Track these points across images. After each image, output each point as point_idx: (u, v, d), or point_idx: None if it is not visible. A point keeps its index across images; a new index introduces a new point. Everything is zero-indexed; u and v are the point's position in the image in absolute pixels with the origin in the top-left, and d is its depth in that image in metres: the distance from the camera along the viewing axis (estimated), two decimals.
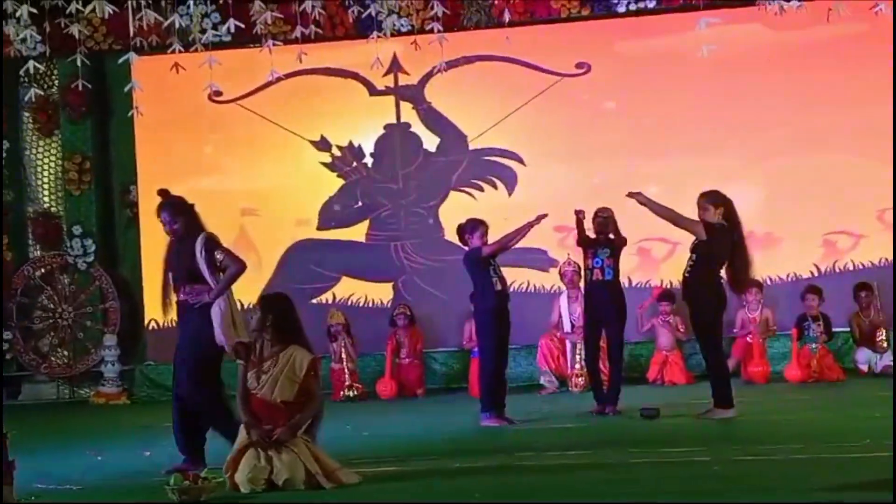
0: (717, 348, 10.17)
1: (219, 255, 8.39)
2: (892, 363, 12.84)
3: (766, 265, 13.45)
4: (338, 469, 7.35)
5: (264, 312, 7.58)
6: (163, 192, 8.73)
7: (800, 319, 13.04)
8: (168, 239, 8.69)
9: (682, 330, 13.12)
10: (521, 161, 14.29)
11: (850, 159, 13.68)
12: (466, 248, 10.63)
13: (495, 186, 14.36)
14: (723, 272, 10.03)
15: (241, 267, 8.43)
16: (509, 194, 14.29)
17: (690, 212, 10.08)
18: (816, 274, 13.80)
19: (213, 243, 8.39)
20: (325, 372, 12.72)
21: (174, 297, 8.56)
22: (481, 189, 14.39)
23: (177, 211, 8.60)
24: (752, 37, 13.71)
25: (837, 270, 13.81)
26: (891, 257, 13.52)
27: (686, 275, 10.05)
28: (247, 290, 13.68)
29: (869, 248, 13.74)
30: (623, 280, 11.22)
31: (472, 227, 10.57)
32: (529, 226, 10.49)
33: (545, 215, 10.51)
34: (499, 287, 10.43)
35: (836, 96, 13.79)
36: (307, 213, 14.63)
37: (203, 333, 8.22)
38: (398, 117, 14.61)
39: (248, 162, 14.79)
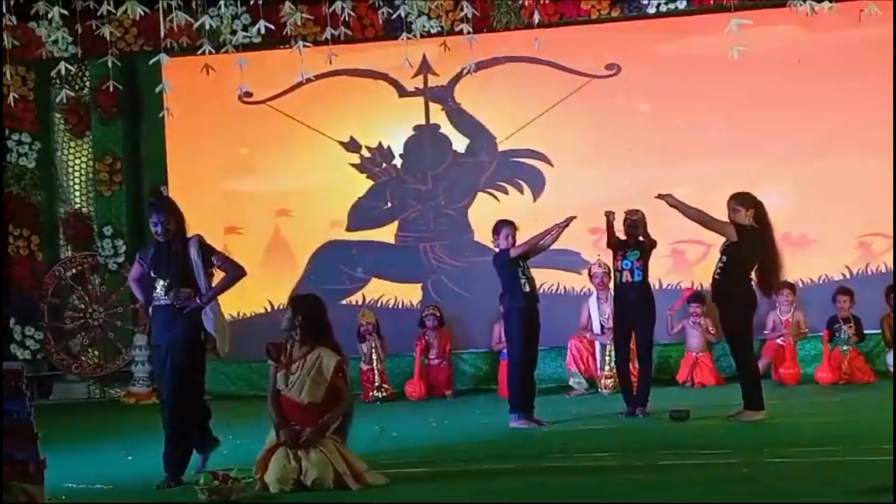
0: (748, 350, 10.15)
1: (216, 260, 8.27)
2: None
3: (798, 267, 13.39)
4: (366, 471, 7.37)
5: (294, 313, 7.62)
6: (156, 193, 8.67)
7: (831, 321, 12.98)
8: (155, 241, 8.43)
9: (712, 332, 13.07)
10: (548, 162, 14.26)
11: (884, 160, 13.57)
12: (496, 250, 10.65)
13: (521, 191, 14.33)
14: (753, 274, 10.00)
15: (241, 271, 8.36)
16: (534, 199, 14.23)
17: (721, 214, 10.05)
18: (849, 276, 13.71)
19: (208, 246, 8.29)
20: (354, 373, 12.76)
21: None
22: (506, 192, 14.36)
23: (170, 210, 8.41)
24: (784, 38, 13.62)
25: (870, 273, 13.72)
26: None
27: (716, 276, 10.02)
28: (277, 291, 13.88)
29: None
30: (654, 282, 11.21)
31: (497, 228, 10.59)
32: (558, 227, 10.50)
33: (574, 217, 10.51)
34: (527, 289, 10.43)
35: (869, 97, 13.68)
36: (337, 214, 14.64)
37: (196, 339, 8.09)
38: (427, 118, 14.61)
39: (278, 163, 14.82)
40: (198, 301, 8.12)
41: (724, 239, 10.04)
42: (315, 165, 14.77)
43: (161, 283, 8.19)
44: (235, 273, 8.34)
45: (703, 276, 13.27)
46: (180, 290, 8.09)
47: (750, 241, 9.87)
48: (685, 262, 13.71)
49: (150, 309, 8.29)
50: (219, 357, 8.46)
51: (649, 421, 10.36)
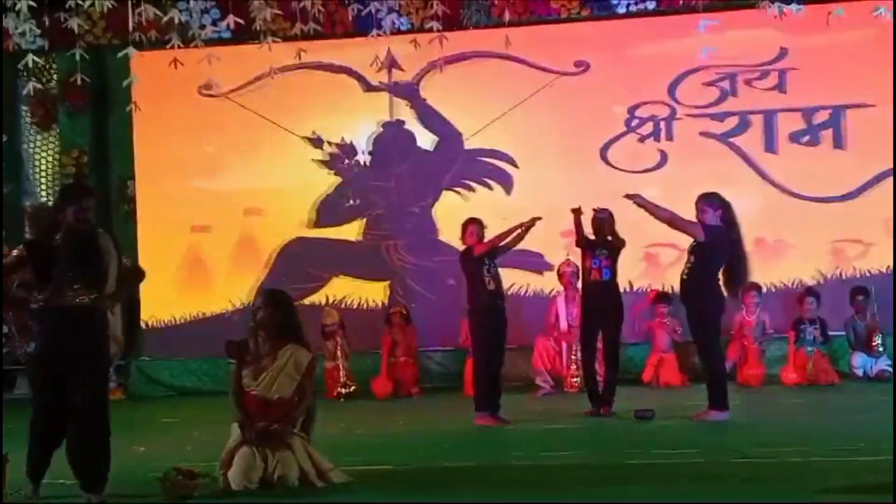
0: (715, 351, 10.17)
1: (126, 260, 7.65)
2: (887, 367, 12.84)
3: (771, 271, 13.47)
4: (330, 469, 7.35)
5: (270, 308, 7.52)
6: (80, 176, 8.01)
7: (796, 322, 13.03)
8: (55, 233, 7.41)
9: (678, 332, 13.10)
10: (514, 164, 14.26)
11: (856, 163, 13.65)
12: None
13: (490, 187, 14.32)
14: (720, 274, 10.02)
15: (143, 275, 8.07)
16: (502, 196, 14.23)
17: (691, 215, 10.07)
18: (822, 280, 13.73)
19: (119, 246, 7.49)
20: (318, 370, 12.74)
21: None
22: (472, 190, 14.35)
23: (93, 200, 7.49)
24: (752, 39, 13.66)
25: (843, 276, 13.77)
26: (890, 265, 13.52)
27: (684, 277, 10.04)
28: (237, 291, 13.82)
29: (877, 257, 13.69)
30: (625, 284, 11.23)
31: (465, 226, 10.59)
32: (522, 227, 10.49)
33: (538, 218, 10.51)
34: (492, 286, 10.42)
35: (839, 100, 13.75)
36: (304, 211, 14.59)
37: (105, 341, 7.40)
38: (391, 114, 14.54)
39: (244, 159, 14.75)
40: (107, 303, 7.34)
41: (691, 239, 10.07)
42: (280, 161, 14.70)
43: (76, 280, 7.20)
44: (139, 276, 8.06)
45: (675, 279, 13.31)
46: (89, 290, 7.20)
47: (718, 242, 9.90)
48: (658, 265, 13.71)
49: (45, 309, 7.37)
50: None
51: (614, 420, 10.38)
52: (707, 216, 9.96)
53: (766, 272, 13.20)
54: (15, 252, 7.56)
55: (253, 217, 14.69)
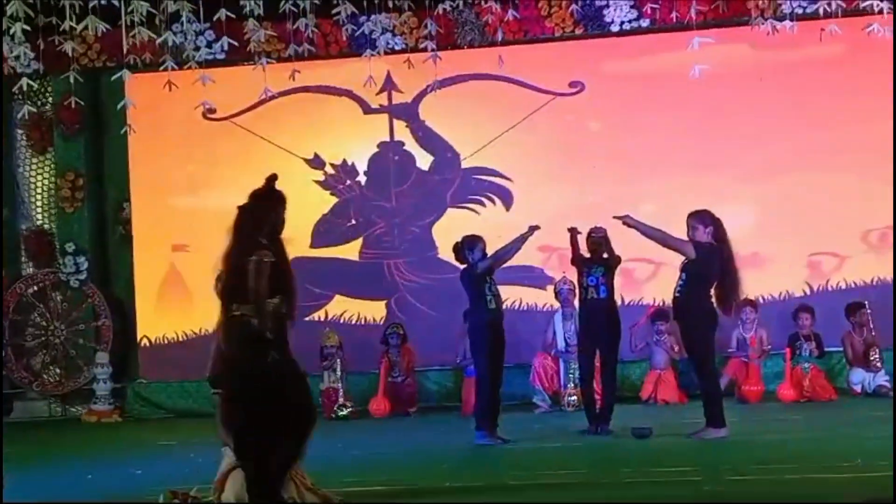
0: (710, 367, 10.17)
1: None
2: (885, 383, 12.82)
3: (759, 284, 13.47)
4: (315, 488, 7.28)
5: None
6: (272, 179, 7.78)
7: (792, 339, 13.02)
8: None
9: (676, 349, 13.09)
10: (510, 181, 14.29)
11: (845, 179, 13.68)
12: (463, 266, 10.63)
13: (484, 205, 14.35)
14: (712, 291, 10.02)
15: None
16: (498, 215, 14.25)
17: (683, 232, 10.08)
18: (809, 293, 13.78)
19: None
20: (315, 390, 12.72)
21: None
22: (471, 209, 14.38)
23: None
24: (745, 57, 13.70)
25: (830, 289, 13.80)
26: (884, 276, 13.53)
27: (676, 294, 10.04)
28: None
29: (853, 269, 13.72)
30: (616, 299, 11.21)
31: (471, 244, 10.55)
32: (522, 239, 10.50)
33: (537, 227, 10.50)
34: (493, 305, 10.42)
35: (830, 116, 13.79)
36: (301, 231, 14.60)
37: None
38: (391, 135, 14.61)
39: (240, 180, 14.70)
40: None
41: (682, 257, 10.07)
42: (279, 182, 14.66)
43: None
44: None
45: (655, 293, 13.34)
46: None
47: (709, 259, 9.90)
48: (634, 280, 13.69)
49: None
50: None
51: (612, 438, 10.35)
52: (698, 233, 9.97)
53: (753, 285, 13.22)
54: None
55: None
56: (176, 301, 14.72)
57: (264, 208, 7.45)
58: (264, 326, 7.00)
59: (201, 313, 14.54)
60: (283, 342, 7.09)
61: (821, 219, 13.77)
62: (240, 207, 7.46)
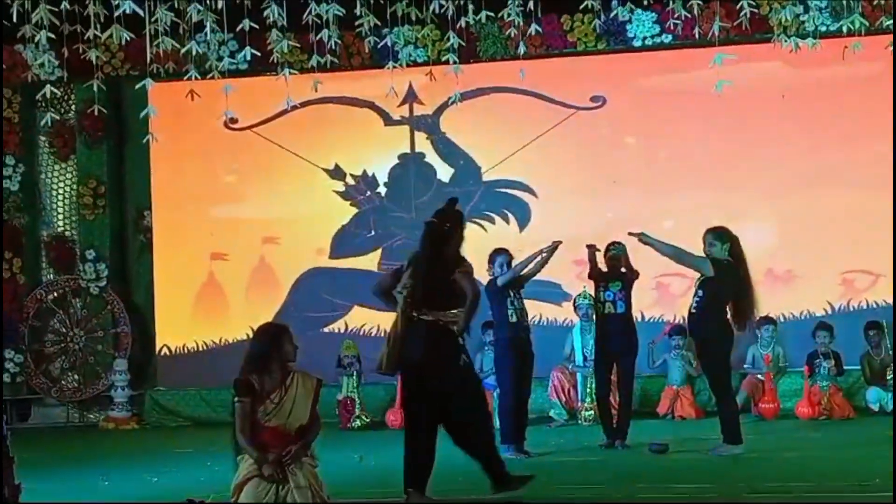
0: (726, 384, 10.15)
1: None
2: None
3: (781, 302, 13.48)
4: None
5: (273, 343, 7.42)
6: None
7: (811, 357, 12.97)
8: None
9: (694, 365, 13.07)
10: (533, 193, 14.30)
11: (867, 196, 13.64)
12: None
13: (507, 221, 14.35)
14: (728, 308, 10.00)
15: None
16: (519, 229, 14.27)
17: (700, 247, 10.06)
18: (830, 312, 13.74)
19: None
20: (332, 401, 12.74)
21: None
22: (493, 221, 14.39)
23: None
24: (768, 73, 13.68)
25: (852, 309, 13.76)
26: None
27: (692, 311, 10.02)
28: (253, 319, 13.80)
29: (887, 287, 13.66)
30: (636, 314, 11.21)
31: (492, 257, 10.58)
32: (542, 253, 10.51)
33: (559, 242, 10.53)
34: (514, 319, 10.43)
35: (852, 133, 13.77)
36: (321, 241, 14.66)
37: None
38: (412, 147, 14.64)
39: (262, 190, 14.85)
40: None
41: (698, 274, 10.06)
42: (300, 192, 14.79)
43: None
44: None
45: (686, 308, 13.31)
46: None
47: (726, 276, 9.88)
48: (669, 294, 13.71)
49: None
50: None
51: (629, 453, 10.34)
52: (715, 249, 9.94)
53: (774, 303, 13.24)
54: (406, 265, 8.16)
55: (270, 246, 14.75)
56: (197, 308, 14.78)
57: (453, 226, 8.21)
58: (460, 332, 7.86)
59: (222, 321, 14.66)
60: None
61: (844, 237, 13.73)
62: (430, 223, 8.28)
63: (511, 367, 10.44)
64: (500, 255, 10.61)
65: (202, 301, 14.85)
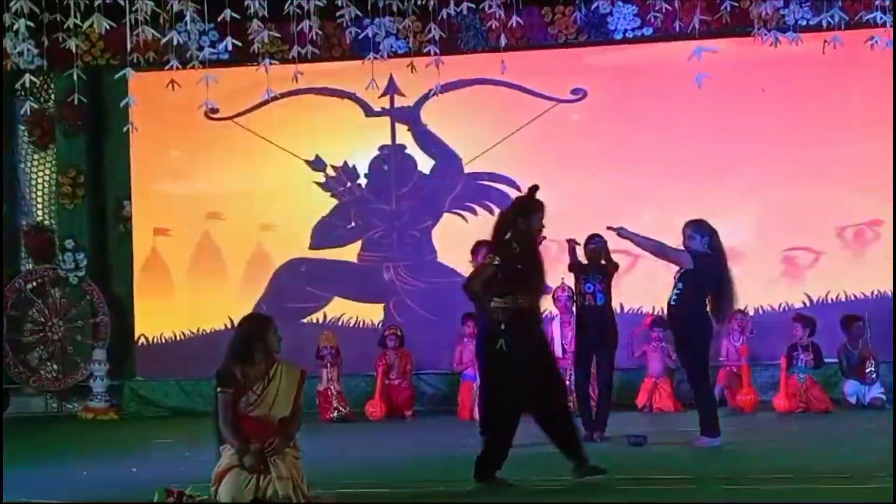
0: (704, 377, 10.18)
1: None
2: (880, 395, 12.83)
3: (759, 294, 13.53)
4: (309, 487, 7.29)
5: (257, 334, 7.41)
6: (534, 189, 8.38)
7: (789, 349, 13.02)
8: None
9: (673, 357, 13.12)
10: (515, 185, 14.30)
11: (847, 190, 13.70)
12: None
13: (491, 211, 14.35)
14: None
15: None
16: None
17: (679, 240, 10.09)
18: (808, 304, 13.80)
19: None
20: (311, 392, 12.74)
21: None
22: (474, 212, 14.39)
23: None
24: (748, 67, 13.70)
25: (830, 301, 13.81)
26: (883, 289, 13.56)
27: (672, 303, 10.05)
28: (236, 308, 13.83)
29: (866, 279, 13.78)
30: (616, 306, 11.22)
31: (476, 249, 10.54)
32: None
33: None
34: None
35: (835, 127, 13.80)
36: (301, 232, 14.64)
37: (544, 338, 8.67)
38: (393, 139, 14.64)
39: (242, 180, 14.81)
40: None
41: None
42: (282, 183, 14.76)
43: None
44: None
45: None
46: None
47: (706, 269, 9.90)
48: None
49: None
50: None
51: (607, 445, 10.36)
52: (694, 242, 9.97)
53: (753, 295, 13.34)
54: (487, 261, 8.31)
55: (253, 236, 14.73)
56: (176, 297, 14.76)
57: (513, 215, 8.34)
58: (494, 318, 8.16)
59: (201, 310, 14.63)
60: (519, 332, 8.10)
61: (821, 229, 13.80)
62: (499, 212, 8.58)
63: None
64: (483, 247, 10.60)
65: (181, 290, 14.81)
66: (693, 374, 10.16)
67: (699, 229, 10.00)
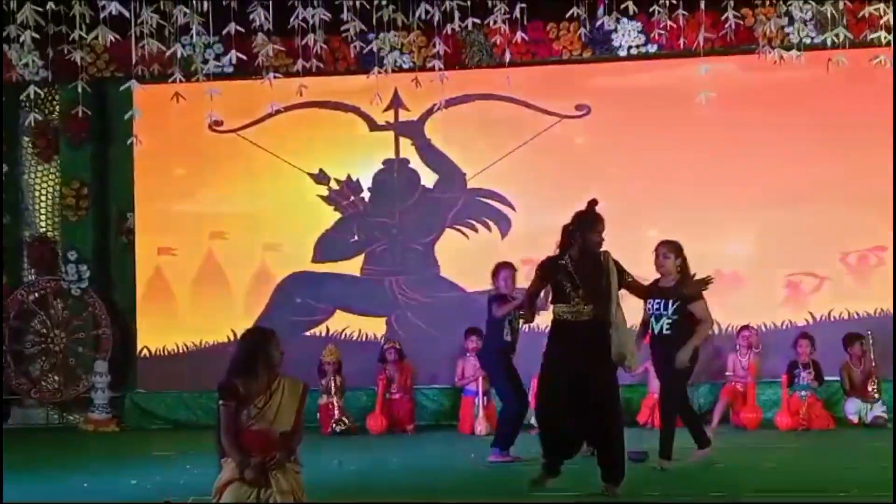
0: (677, 403, 9.88)
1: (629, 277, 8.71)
2: (882, 413, 12.81)
3: (762, 313, 13.53)
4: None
5: (259, 347, 7.39)
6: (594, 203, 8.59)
7: (790, 366, 13.01)
8: None
9: None
10: (511, 206, 14.29)
11: (849, 209, 13.69)
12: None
13: (489, 228, 14.35)
14: None
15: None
16: (502, 237, 14.28)
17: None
18: (811, 322, 13.78)
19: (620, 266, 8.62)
20: (313, 406, 12.73)
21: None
22: (475, 229, 14.39)
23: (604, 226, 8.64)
24: (752, 85, 13.70)
25: (833, 319, 13.80)
26: (886, 307, 13.55)
27: (666, 332, 9.62)
28: (239, 322, 13.82)
29: (868, 297, 13.76)
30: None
31: (494, 271, 10.55)
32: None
33: None
34: (508, 338, 10.47)
35: (837, 147, 13.76)
36: (304, 245, 14.65)
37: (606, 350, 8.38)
38: (397, 153, 14.64)
39: (246, 192, 14.82)
40: None
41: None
42: (284, 196, 14.77)
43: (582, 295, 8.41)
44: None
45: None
46: None
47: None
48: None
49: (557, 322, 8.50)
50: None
51: None
52: (668, 262, 9.63)
53: (756, 313, 13.35)
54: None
55: (257, 253, 14.73)
56: (178, 310, 14.76)
57: (572, 228, 8.51)
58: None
59: (203, 323, 14.63)
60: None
61: (819, 242, 13.79)
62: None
63: (507, 374, 10.48)
64: (504, 269, 10.60)
65: (183, 303, 14.81)
66: (669, 397, 9.87)
67: (674, 249, 9.66)
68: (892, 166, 13.31)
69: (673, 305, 9.57)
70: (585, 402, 8.28)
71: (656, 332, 9.70)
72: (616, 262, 8.40)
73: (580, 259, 8.36)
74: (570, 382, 8.29)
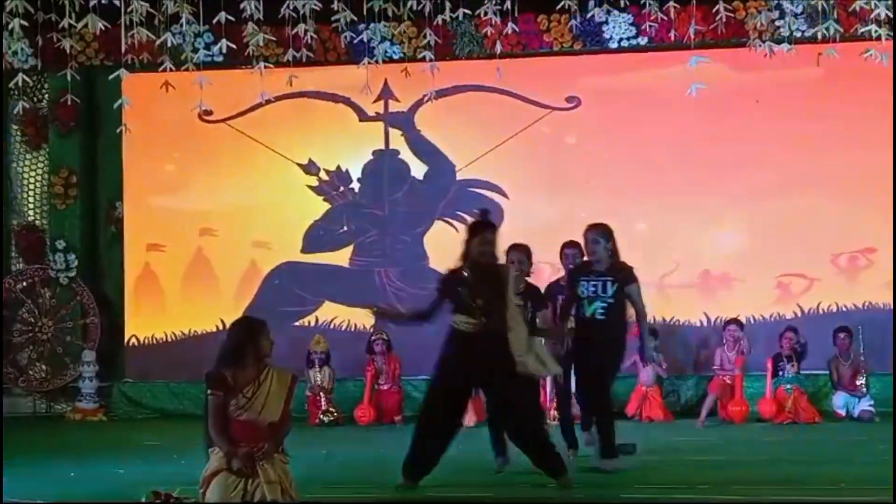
0: (609, 395, 9.60)
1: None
2: (869, 408, 12.81)
3: (751, 305, 13.56)
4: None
5: (248, 337, 7.38)
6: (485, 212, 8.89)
7: (775, 358, 13.00)
8: None
9: (663, 367, 13.14)
10: (504, 194, 14.30)
11: (840, 201, 13.71)
12: None
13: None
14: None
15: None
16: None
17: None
18: (800, 315, 13.80)
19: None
20: (301, 396, 12.71)
21: None
22: (464, 221, 14.37)
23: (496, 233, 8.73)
24: (743, 77, 13.71)
25: (821, 312, 13.82)
26: (875, 301, 13.58)
27: (599, 316, 9.17)
28: (228, 312, 13.81)
29: (852, 291, 13.82)
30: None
31: (507, 253, 10.33)
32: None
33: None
34: None
35: (828, 138, 13.81)
36: (294, 236, 14.63)
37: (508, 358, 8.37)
38: (387, 143, 14.63)
39: (235, 182, 14.79)
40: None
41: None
42: (272, 186, 14.75)
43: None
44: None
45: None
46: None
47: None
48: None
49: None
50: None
51: (597, 454, 10.32)
52: (599, 248, 9.27)
53: (745, 306, 13.39)
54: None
55: (247, 247, 14.71)
56: (166, 300, 14.74)
57: (469, 237, 8.54)
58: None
59: (191, 313, 14.61)
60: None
61: (811, 242, 13.81)
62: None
63: None
64: (515, 252, 10.51)
65: (171, 293, 14.79)
66: (600, 391, 9.36)
67: (604, 234, 9.30)
68: (892, 166, 13.31)
69: (612, 287, 9.14)
70: (497, 410, 8.58)
71: (587, 315, 9.17)
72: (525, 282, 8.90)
73: (474, 270, 8.40)
74: (463, 392, 8.63)
